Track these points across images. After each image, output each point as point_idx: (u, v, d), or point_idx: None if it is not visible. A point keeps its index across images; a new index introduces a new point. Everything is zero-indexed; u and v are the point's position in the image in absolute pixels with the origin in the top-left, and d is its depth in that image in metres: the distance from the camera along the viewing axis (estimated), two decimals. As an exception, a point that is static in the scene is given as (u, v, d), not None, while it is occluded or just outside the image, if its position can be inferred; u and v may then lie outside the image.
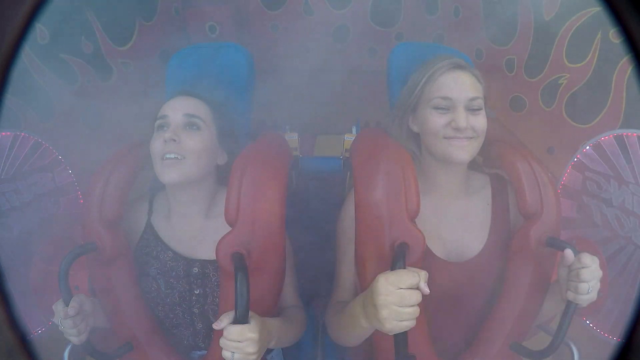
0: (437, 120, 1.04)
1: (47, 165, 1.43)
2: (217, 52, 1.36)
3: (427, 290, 0.81)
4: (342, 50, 2.77)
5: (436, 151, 1.07)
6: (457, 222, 1.13)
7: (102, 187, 1.08)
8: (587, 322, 1.44)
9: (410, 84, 1.12)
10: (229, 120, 1.22)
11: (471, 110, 1.04)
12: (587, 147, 1.47)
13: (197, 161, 1.07)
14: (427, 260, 1.02)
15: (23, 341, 0.52)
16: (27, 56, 1.49)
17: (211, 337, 1.13)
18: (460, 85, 1.04)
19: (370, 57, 2.77)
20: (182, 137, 1.06)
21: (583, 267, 0.92)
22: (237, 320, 0.87)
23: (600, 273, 0.93)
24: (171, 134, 1.05)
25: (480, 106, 1.05)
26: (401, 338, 0.83)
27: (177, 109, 1.10)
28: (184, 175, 1.05)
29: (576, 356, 1.12)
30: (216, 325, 0.88)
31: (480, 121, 1.04)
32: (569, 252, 0.92)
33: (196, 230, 1.15)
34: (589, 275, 0.91)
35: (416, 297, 0.80)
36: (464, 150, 1.03)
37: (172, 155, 1.04)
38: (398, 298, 0.80)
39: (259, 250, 0.96)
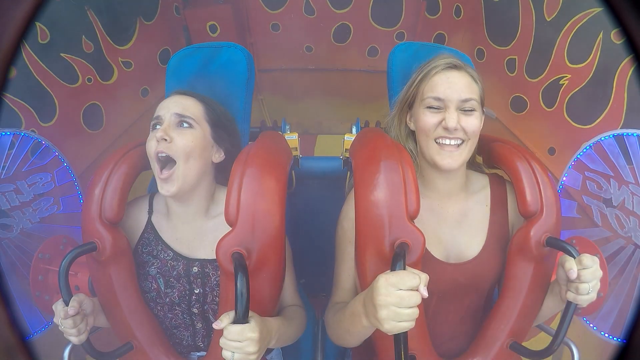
0: (428, 120, 1.04)
1: (47, 165, 1.43)
2: (217, 52, 1.36)
3: (425, 294, 0.80)
4: (342, 49, 2.77)
5: (426, 154, 1.08)
6: (455, 223, 1.13)
7: (102, 187, 1.08)
8: (587, 322, 1.44)
9: (409, 82, 1.13)
10: (225, 117, 1.22)
11: (463, 110, 1.04)
12: (588, 148, 1.47)
13: (187, 162, 1.07)
14: (425, 262, 1.02)
15: (23, 341, 0.52)
16: (28, 55, 1.49)
17: (210, 337, 1.13)
18: (453, 86, 1.04)
19: (371, 57, 2.77)
20: (173, 135, 1.07)
21: (584, 268, 0.92)
22: (237, 320, 0.87)
23: (600, 273, 0.93)
24: (162, 133, 1.06)
25: (473, 107, 1.05)
26: (401, 338, 0.82)
27: (170, 108, 1.11)
28: (181, 186, 1.07)
29: (576, 356, 1.12)
30: (216, 325, 0.88)
31: (471, 122, 1.04)
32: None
33: (196, 230, 1.15)
34: (590, 276, 0.91)
35: (416, 298, 0.80)
36: (452, 159, 1.03)
37: (164, 154, 1.06)
38: (397, 299, 0.80)
39: (259, 250, 0.96)
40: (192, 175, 1.08)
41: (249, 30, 2.71)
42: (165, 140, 1.05)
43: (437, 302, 1.08)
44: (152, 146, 1.07)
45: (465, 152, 1.05)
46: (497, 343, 1.07)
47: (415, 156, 1.14)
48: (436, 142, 1.05)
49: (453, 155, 1.03)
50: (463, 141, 1.04)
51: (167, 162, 1.07)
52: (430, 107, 1.05)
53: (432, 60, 1.10)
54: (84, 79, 1.76)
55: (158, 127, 1.10)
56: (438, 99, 1.04)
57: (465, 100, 1.03)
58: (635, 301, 1.33)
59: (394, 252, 0.88)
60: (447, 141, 1.03)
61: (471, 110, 1.04)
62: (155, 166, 1.08)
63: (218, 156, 1.17)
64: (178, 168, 1.06)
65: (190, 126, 1.10)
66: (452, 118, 1.01)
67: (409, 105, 1.12)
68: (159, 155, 1.06)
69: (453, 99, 1.03)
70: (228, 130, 1.20)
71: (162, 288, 1.14)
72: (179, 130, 1.09)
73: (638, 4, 0.48)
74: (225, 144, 1.18)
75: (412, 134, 1.16)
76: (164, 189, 1.06)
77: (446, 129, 1.02)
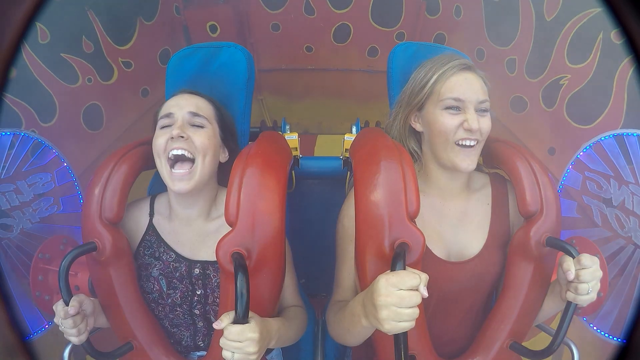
0: (449, 122, 1.04)
1: (47, 165, 1.44)
2: (217, 52, 1.36)
3: (425, 294, 0.80)
4: (342, 49, 2.77)
5: (442, 156, 1.07)
6: (456, 221, 1.13)
7: (102, 187, 1.08)
8: (587, 322, 1.44)
9: (417, 81, 1.12)
10: (230, 118, 1.22)
11: (479, 111, 1.05)
12: (587, 148, 1.47)
13: (204, 160, 1.07)
14: (426, 260, 1.02)
15: (23, 341, 0.52)
16: (28, 56, 1.49)
17: (211, 338, 1.13)
18: (472, 87, 1.05)
19: (371, 57, 2.77)
20: (189, 134, 1.06)
21: (583, 268, 0.92)
22: (237, 320, 0.87)
23: (600, 273, 0.93)
24: (179, 130, 1.04)
25: (487, 108, 1.07)
26: (401, 338, 0.82)
27: (183, 107, 1.10)
28: (195, 184, 1.05)
29: (576, 356, 1.12)
30: (216, 325, 0.88)
31: (486, 123, 1.06)
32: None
33: (197, 232, 1.15)
34: (589, 276, 0.91)
35: (416, 298, 0.80)
36: (471, 159, 1.05)
37: (180, 152, 1.04)
38: (398, 299, 0.80)
39: (259, 250, 0.96)
40: (206, 173, 1.08)
41: (249, 31, 2.71)
42: (182, 137, 1.04)
43: (437, 301, 1.08)
44: (162, 143, 1.05)
45: (479, 152, 1.07)
46: (497, 343, 1.07)
47: (419, 156, 1.14)
48: (456, 144, 1.05)
49: (471, 156, 1.05)
50: (477, 141, 1.05)
51: (179, 160, 1.06)
52: (449, 108, 1.05)
53: (441, 60, 1.09)
54: (84, 79, 1.76)
55: (169, 125, 1.08)
56: (458, 100, 1.04)
57: (482, 102, 1.05)
58: (635, 301, 1.33)
59: (394, 252, 0.88)
60: (468, 142, 1.04)
61: (485, 111, 1.06)
62: (163, 164, 1.06)
63: (224, 156, 1.17)
64: (197, 166, 1.05)
65: (204, 125, 1.10)
66: (474, 119, 1.02)
67: (419, 107, 1.12)
68: (174, 152, 1.04)
69: (472, 100, 1.04)
70: (232, 131, 1.21)
71: (165, 289, 1.14)
72: (194, 129, 1.08)
73: (638, 4, 0.48)
74: (229, 144, 1.19)
75: (415, 134, 1.16)
76: (177, 185, 1.04)
77: (469, 130, 1.03)
